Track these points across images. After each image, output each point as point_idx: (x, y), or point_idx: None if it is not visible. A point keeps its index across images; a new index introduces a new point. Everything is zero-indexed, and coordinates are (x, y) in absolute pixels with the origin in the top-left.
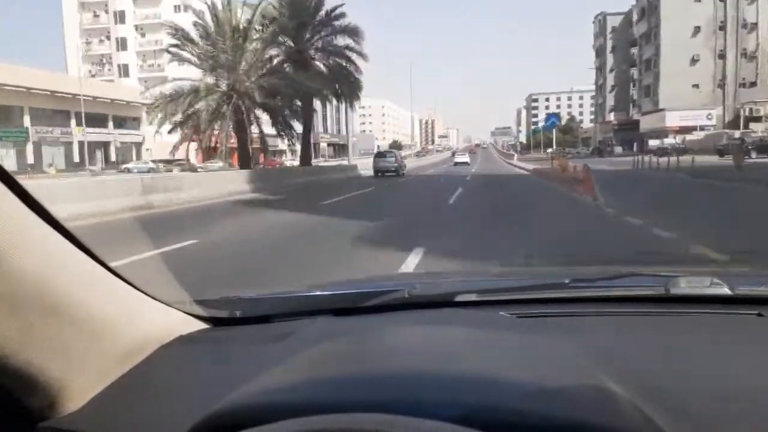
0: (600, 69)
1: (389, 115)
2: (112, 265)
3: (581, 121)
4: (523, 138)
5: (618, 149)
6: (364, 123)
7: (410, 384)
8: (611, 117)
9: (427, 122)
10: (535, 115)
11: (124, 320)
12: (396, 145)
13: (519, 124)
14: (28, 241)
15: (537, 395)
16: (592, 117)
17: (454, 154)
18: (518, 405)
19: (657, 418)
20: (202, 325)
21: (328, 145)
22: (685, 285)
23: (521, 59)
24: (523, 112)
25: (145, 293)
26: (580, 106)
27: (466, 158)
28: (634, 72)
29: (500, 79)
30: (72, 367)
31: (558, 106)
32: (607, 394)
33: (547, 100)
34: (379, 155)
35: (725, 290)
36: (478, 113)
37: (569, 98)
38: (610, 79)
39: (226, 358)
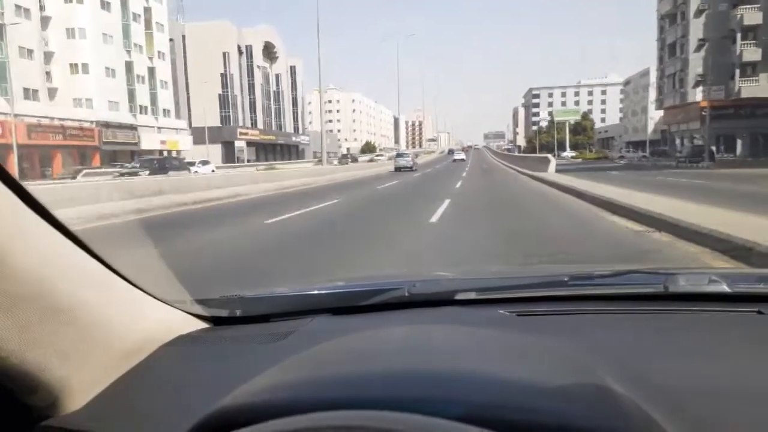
0: (670, 18)
1: (363, 111)
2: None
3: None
4: (521, 140)
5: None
6: (331, 121)
7: (411, 382)
8: (698, 95)
9: (413, 124)
10: (536, 114)
11: (125, 319)
12: (369, 148)
13: (516, 125)
14: (28, 240)
15: (537, 393)
16: (603, 115)
17: (450, 152)
18: (519, 403)
19: (656, 415)
20: (202, 325)
21: (249, 144)
22: (684, 283)
23: (517, 56)
24: (521, 112)
25: (145, 292)
26: (589, 102)
27: (462, 155)
28: (745, 13)
29: (494, 80)
30: (73, 366)
31: (563, 103)
32: (607, 392)
33: (551, 96)
34: (399, 155)
35: (724, 288)
36: (470, 118)
37: (576, 93)
38: (692, 38)
39: (226, 358)
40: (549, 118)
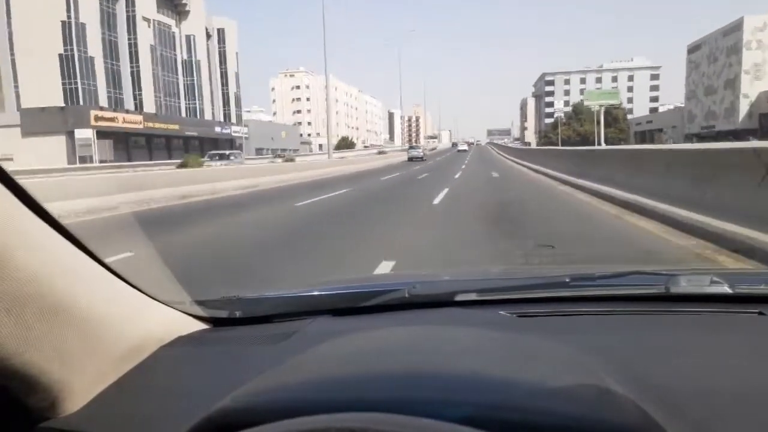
0: None
1: (341, 100)
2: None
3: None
4: (531, 136)
5: None
6: (300, 111)
7: (411, 383)
8: None
9: (410, 119)
10: (550, 104)
11: (124, 320)
12: (346, 144)
13: (524, 118)
14: (28, 241)
15: (538, 395)
16: (630, 105)
17: (454, 145)
18: (520, 405)
19: (657, 416)
20: (202, 326)
21: (102, 134)
22: (686, 284)
23: (523, 49)
24: (530, 103)
25: (145, 293)
26: (614, 89)
27: (465, 147)
28: None
29: (499, 76)
30: (72, 367)
31: (582, 91)
32: (608, 393)
33: (567, 82)
34: (411, 148)
35: (726, 289)
36: (473, 114)
37: (598, 79)
38: None
39: (226, 358)
40: (566, 110)
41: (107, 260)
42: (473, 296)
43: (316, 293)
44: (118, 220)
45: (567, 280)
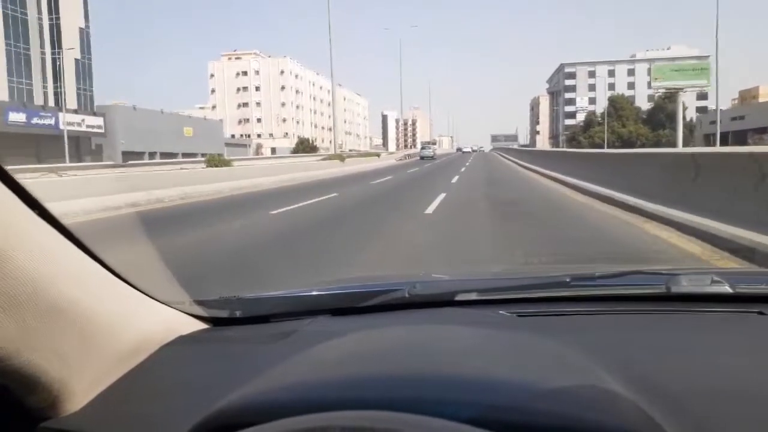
0: None
1: (305, 92)
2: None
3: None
4: (544, 140)
5: None
6: (247, 104)
7: (411, 383)
8: None
9: (406, 123)
10: (571, 101)
11: (125, 320)
12: (305, 147)
13: (536, 120)
14: (27, 240)
15: (538, 395)
16: (688, 96)
17: (458, 149)
18: (519, 405)
19: (658, 416)
20: (202, 325)
21: None
22: (686, 283)
23: (530, 47)
24: (544, 102)
25: (145, 293)
26: (649, 85)
27: (469, 149)
28: None
29: (502, 78)
30: (72, 367)
31: (611, 85)
32: (607, 394)
33: (592, 75)
34: (423, 147)
35: (726, 288)
36: (475, 119)
37: (631, 72)
38: None
39: (226, 358)
40: (590, 107)
41: None
42: (473, 296)
43: (315, 293)
44: None
45: (567, 280)
